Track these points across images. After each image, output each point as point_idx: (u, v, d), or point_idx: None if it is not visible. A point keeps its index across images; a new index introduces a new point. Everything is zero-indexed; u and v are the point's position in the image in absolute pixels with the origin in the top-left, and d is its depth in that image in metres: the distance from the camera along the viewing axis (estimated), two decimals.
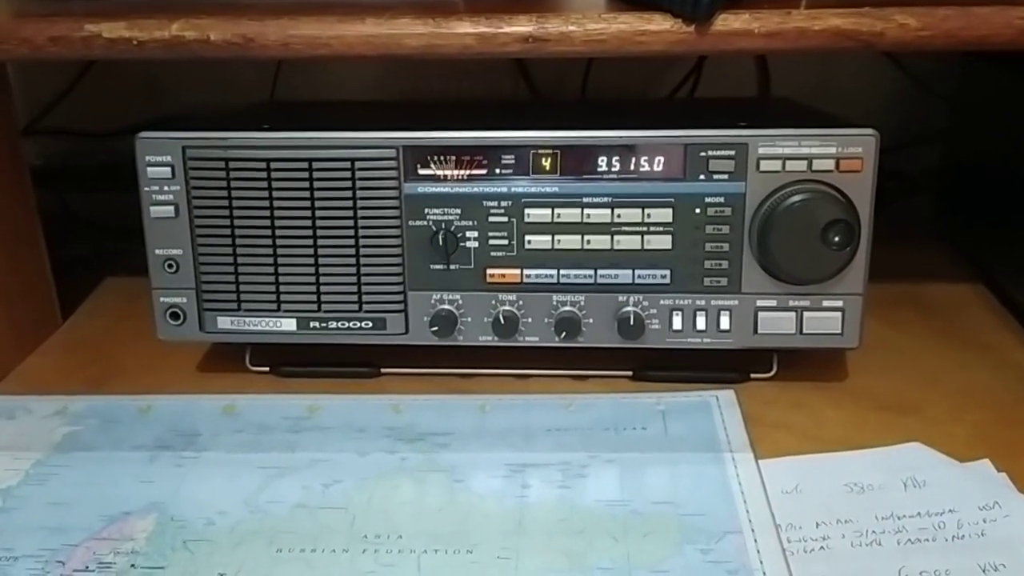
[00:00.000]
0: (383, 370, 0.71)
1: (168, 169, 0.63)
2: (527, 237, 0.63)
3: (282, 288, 0.65)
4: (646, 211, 0.62)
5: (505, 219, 0.63)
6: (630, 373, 0.69)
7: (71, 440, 0.64)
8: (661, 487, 0.57)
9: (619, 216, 0.62)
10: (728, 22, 0.53)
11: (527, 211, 0.62)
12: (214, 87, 1.01)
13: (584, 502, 0.56)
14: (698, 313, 0.63)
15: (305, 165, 0.62)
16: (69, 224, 0.99)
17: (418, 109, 0.81)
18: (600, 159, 0.62)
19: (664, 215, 0.62)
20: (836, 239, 0.59)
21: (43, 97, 1.04)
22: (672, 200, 0.61)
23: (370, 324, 0.65)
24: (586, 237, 0.62)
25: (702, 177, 0.61)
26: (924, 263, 0.90)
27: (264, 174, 0.63)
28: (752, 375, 0.68)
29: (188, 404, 0.68)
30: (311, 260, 0.64)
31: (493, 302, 0.64)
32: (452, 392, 0.69)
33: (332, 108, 0.82)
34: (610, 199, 0.62)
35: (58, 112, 1.05)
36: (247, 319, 0.65)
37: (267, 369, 0.71)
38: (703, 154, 0.60)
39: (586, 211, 0.62)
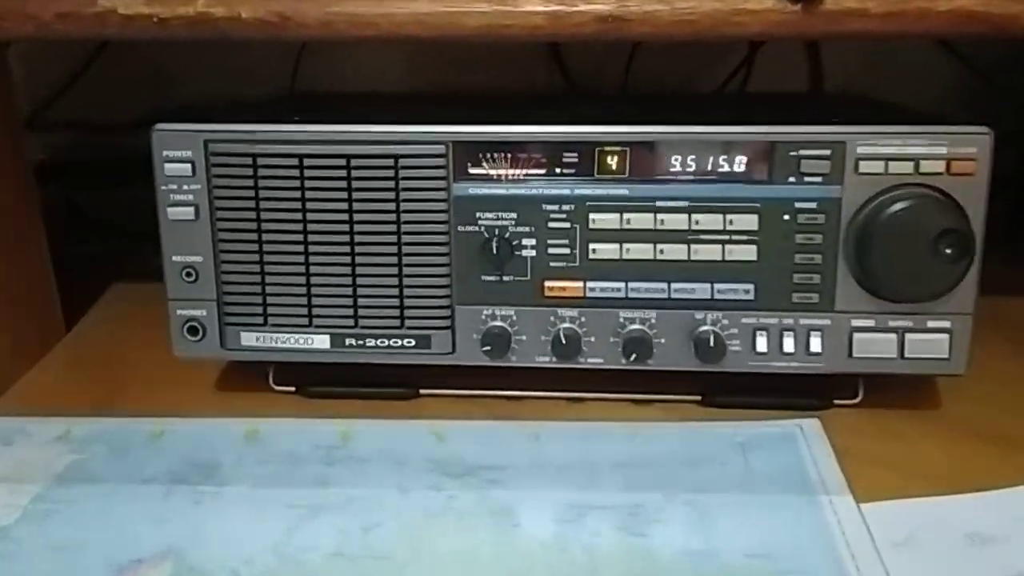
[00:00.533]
0: (422, 391, 0.64)
1: (188, 166, 0.56)
2: (591, 245, 0.56)
3: (314, 301, 0.57)
4: (728, 217, 0.54)
5: (567, 225, 0.56)
6: (699, 398, 0.62)
7: (75, 470, 0.57)
8: (752, 536, 0.50)
9: (697, 223, 0.55)
10: (840, 1, 0.46)
11: (592, 216, 0.55)
12: (228, 76, 0.93)
13: (663, 553, 0.49)
14: (785, 333, 0.56)
15: (342, 163, 0.55)
16: (74, 223, 0.92)
17: (462, 101, 0.74)
18: (674, 158, 0.55)
19: (748, 222, 0.54)
20: (948, 251, 0.52)
21: (46, 87, 0.97)
22: (758, 205, 0.54)
23: (413, 342, 0.58)
24: (659, 246, 0.55)
25: (792, 179, 0.54)
26: (1001, 276, 0.82)
27: (296, 172, 0.55)
28: (836, 401, 0.61)
29: (206, 429, 0.61)
30: (348, 270, 0.57)
31: (552, 319, 0.57)
32: (499, 417, 0.62)
33: (367, 100, 0.75)
34: (687, 203, 0.55)
35: (62, 103, 0.98)
36: (275, 335, 0.58)
37: (293, 389, 0.64)
38: (793, 153, 0.53)
39: (660, 216, 0.55)
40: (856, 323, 0.55)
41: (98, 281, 0.82)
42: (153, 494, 0.54)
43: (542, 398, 0.63)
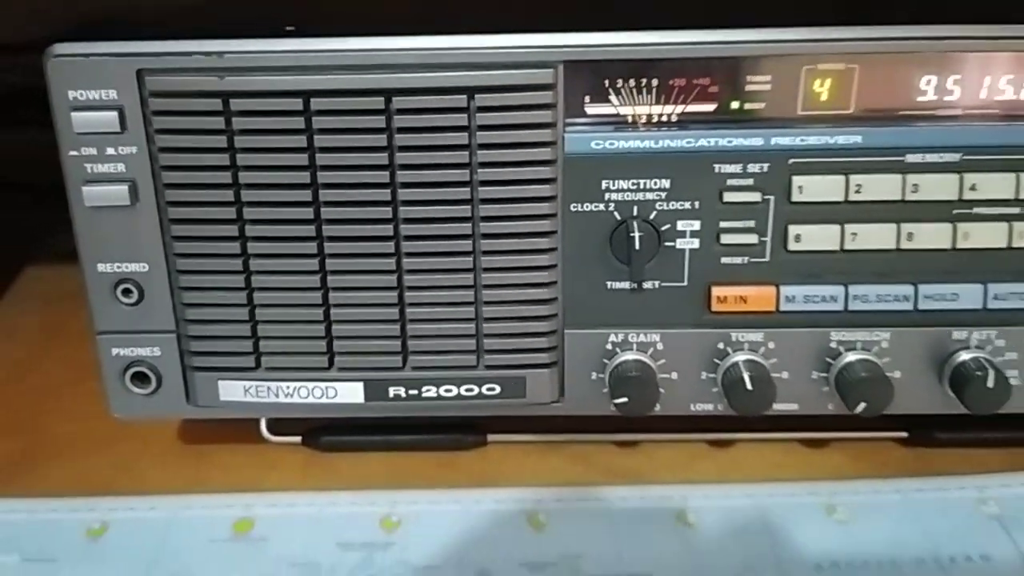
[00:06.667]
0: (491, 437, 0.43)
1: (113, 115, 0.33)
2: (793, 230, 0.35)
3: (337, 330, 0.36)
4: (1023, 178, 0.33)
5: (755, 197, 0.34)
6: (904, 435, 0.42)
7: None
8: None
9: (973, 188, 0.34)
10: None
11: (797, 181, 0.34)
12: None
13: None
14: None
15: (379, 102, 0.33)
16: None
17: None
18: (926, 80, 0.33)
19: None
20: None
21: None
22: None
23: (496, 389, 0.37)
24: (906, 228, 0.34)
25: None
26: None
27: (300, 121, 0.33)
28: None
29: (171, 519, 0.40)
30: (390, 279, 0.35)
31: (722, 346, 0.36)
32: (614, 478, 0.41)
33: None
34: (959, 157, 0.33)
35: None
36: (273, 384, 0.36)
37: (298, 439, 0.43)
38: None
39: (911, 179, 0.34)
40: None
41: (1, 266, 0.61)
42: None
43: (670, 442, 0.43)
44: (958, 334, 0.37)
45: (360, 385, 0.37)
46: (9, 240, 0.64)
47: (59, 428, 0.47)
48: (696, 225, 0.36)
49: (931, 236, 0.35)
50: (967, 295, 0.36)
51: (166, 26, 0.35)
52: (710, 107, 0.34)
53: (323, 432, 0.44)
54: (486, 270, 0.36)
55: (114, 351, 0.37)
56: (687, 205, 0.35)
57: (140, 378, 0.38)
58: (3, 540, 0.40)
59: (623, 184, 0.35)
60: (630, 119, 0.35)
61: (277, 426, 0.44)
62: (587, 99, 0.34)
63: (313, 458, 0.44)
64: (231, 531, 0.40)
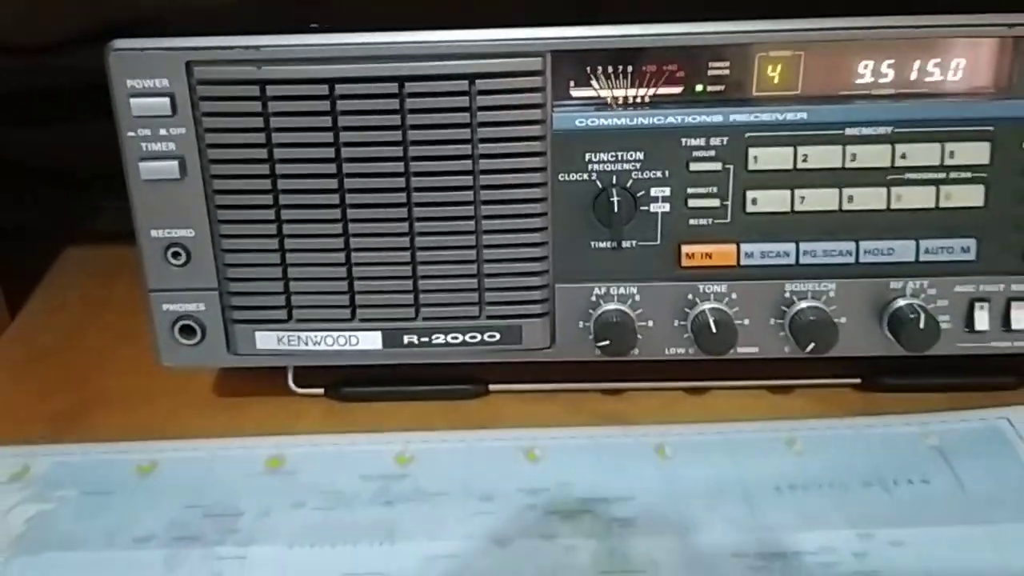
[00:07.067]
0: (492, 386, 0.48)
1: (165, 100, 0.39)
2: (750, 195, 0.40)
3: (358, 285, 0.41)
4: (947, 148, 0.39)
5: (717, 167, 0.40)
6: (857, 380, 0.47)
7: (41, 529, 0.41)
8: None
9: (903, 157, 0.39)
10: None
11: (752, 152, 0.39)
12: None
13: None
14: (1015, 304, 0.41)
15: (393, 88, 0.38)
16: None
17: None
18: (863, 64, 0.38)
19: (976, 153, 0.39)
20: None
21: None
22: (990, 130, 0.38)
23: (496, 336, 0.42)
24: (847, 192, 0.40)
25: None
26: None
27: (325, 104, 0.38)
28: None
29: (212, 457, 0.45)
30: (403, 240, 0.41)
31: (690, 296, 0.42)
32: (601, 420, 0.47)
33: None
34: (890, 130, 0.39)
35: None
36: (303, 334, 0.42)
37: (321, 391, 0.48)
38: None
39: (850, 150, 0.39)
40: None
41: (41, 249, 0.65)
42: (152, 564, 0.39)
43: (652, 390, 0.48)
44: (894, 284, 0.41)
45: (379, 334, 0.42)
46: (50, 224, 0.70)
47: (108, 385, 0.51)
48: (667, 191, 0.40)
49: (869, 198, 0.40)
50: (901, 249, 0.41)
51: (204, 20, 0.40)
52: (677, 89, 0.39)
53: (343, 384, 0.49)
54: (486, 232, 0.41)
55: (165, 307, 0.42)
56: (659, 174, 0.40)
57: (187, 331, 0.43)
58: (63, 478, 0.45)
59: (604, 156, 0.40)
60: (609, 100, 0.39)
61: (302, 379, 0.49)
62: (572, 83, 0.39)
63: (334, 408, 0.49)
64: (264, 466, 0.45)
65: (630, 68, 0.39)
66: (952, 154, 0.39)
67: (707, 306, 0.42)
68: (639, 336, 0.42)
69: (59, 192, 0.69)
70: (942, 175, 0.40)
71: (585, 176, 0.40)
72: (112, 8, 0.69)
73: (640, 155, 0.40)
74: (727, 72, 0.39)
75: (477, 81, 0.38)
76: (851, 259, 0.41)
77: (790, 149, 0.39)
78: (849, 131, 0.39)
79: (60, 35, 0.73)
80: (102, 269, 0.63)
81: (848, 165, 0.40)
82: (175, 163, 0.40)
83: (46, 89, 0.77)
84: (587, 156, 0.40)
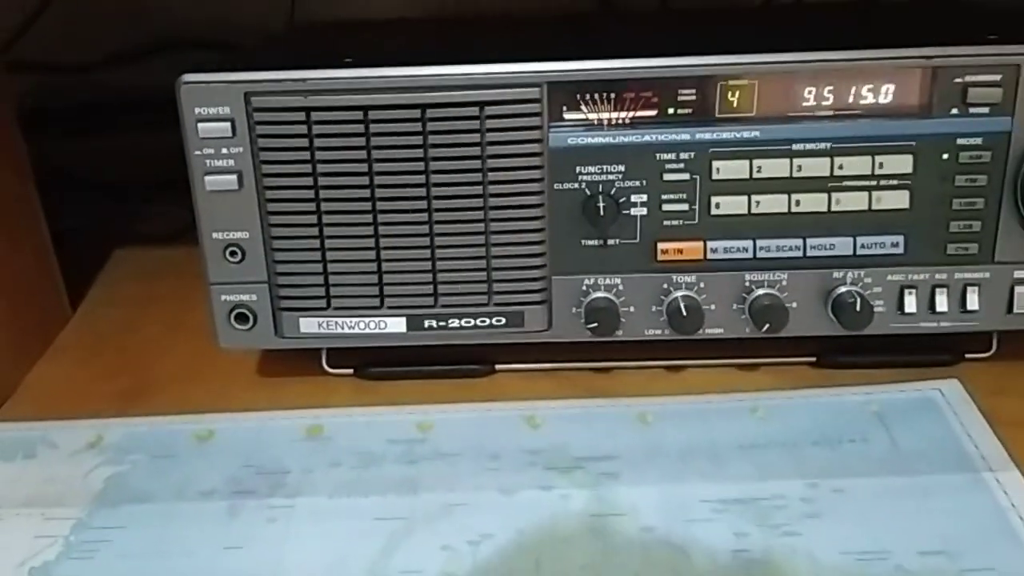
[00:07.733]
0: (498, 366, 0.56)
1: (227, 125, 0.46)
2: (714, 200, 0.48)
3: (386, 278, 0.49)
4: (877, 160, 0.46)
5: (685, 177, 0.47)
6: (812, 359, 0.55)
7: (117, 487, 0.49)
8: (920, 529, 0.43)
9: (841, 167, 0.47)
10: None
11: (716, 165, 0.47)
12: (211, 5, 0.81)
13: (827, 556, 0.42)
14: (938, 290, 0.48)
15: (416, 114, 0.46)
16: (51, 181, 0.81)
17: (489, 28, 0.63)
18: (807, 90, 0.46)
19: (901, 164, 0.46)
20: None
21: (4, 30, 0.84)
22: (913, 144, 0.46)
23: (503, 320, 0.50)
24: (795, 197, 0.47)
25: (955, 111, 0.45)
26: None
27: (360, 127, 0.46)
28: (967, 355, 0.54)
29: (260, 426, 0.53)
30: (424, 240, 0.48)
31: (665, 286, 0.49)
32: (592, 394, 0.54)
33: (408, 32, 0.64)
34: (829, 145, 0.46)
35: (24, 43, 0.84)
36: (339, 320, 0.50)
37: (351, 371, 0.56)
38: (959, 80, 0.45)
39: (797, 162, 0.47)
40: (1019, 275, 0.48)
41: (92, 251, 0.72)
42: (216, 513, 0.46)
43: (636, 368, 0.56)
44: (836, 274, 0.49)
45: (403, 319, 0.50)
46: (93, 226, 0.76)
47: (163, 367, 0.58)
48: (644, 198, 0.48)
49: (813, 202, 0.47)
50: (841, 245, 0.48)
51: (259, 57, 0.48)
52: (653, 112, 0.46)
53: (371, 365, 0.56)
54: (493, 232, 0.48)
55: (223, 298, 0.50)
56: (637, 183, 0.47)
57: (241, 318, 0.50)
58: (132, 445, 0.52)
59: (592, 169, 0.47)
60: (596, 122, 0.47)
61: (334, 361, 0.57)
62: (565, 108, 0.46)
63: (363, 386, 0.56)
64: (306, 433, 0.52)
65: (613, 95, 0.46)
66: (882, 165, 0.46)
67: (679, 293, 0.49)
68: (623, 320, 0.50)
69: (99, 198, 0.77)
70: (874, 183, 0.47)
71: (576, 185, 0.48)
72: (151, 31, 0.77)
73: (622, 167, 0.47)
74: (694, 98, 0.46)
75: (486, 107, 0.46)
76: (799, 253, 0.48)
77: (747, 162, 0.47)
78: (796, 146, 0.47)
79: (102, 55, 0.81)
80: (148, 270, 0.70)
81: (795, 175, 0.47)
82: (234, 177, 0.47)
83: (86, 105, 0.85)
84: (578, 169, 0.47)
